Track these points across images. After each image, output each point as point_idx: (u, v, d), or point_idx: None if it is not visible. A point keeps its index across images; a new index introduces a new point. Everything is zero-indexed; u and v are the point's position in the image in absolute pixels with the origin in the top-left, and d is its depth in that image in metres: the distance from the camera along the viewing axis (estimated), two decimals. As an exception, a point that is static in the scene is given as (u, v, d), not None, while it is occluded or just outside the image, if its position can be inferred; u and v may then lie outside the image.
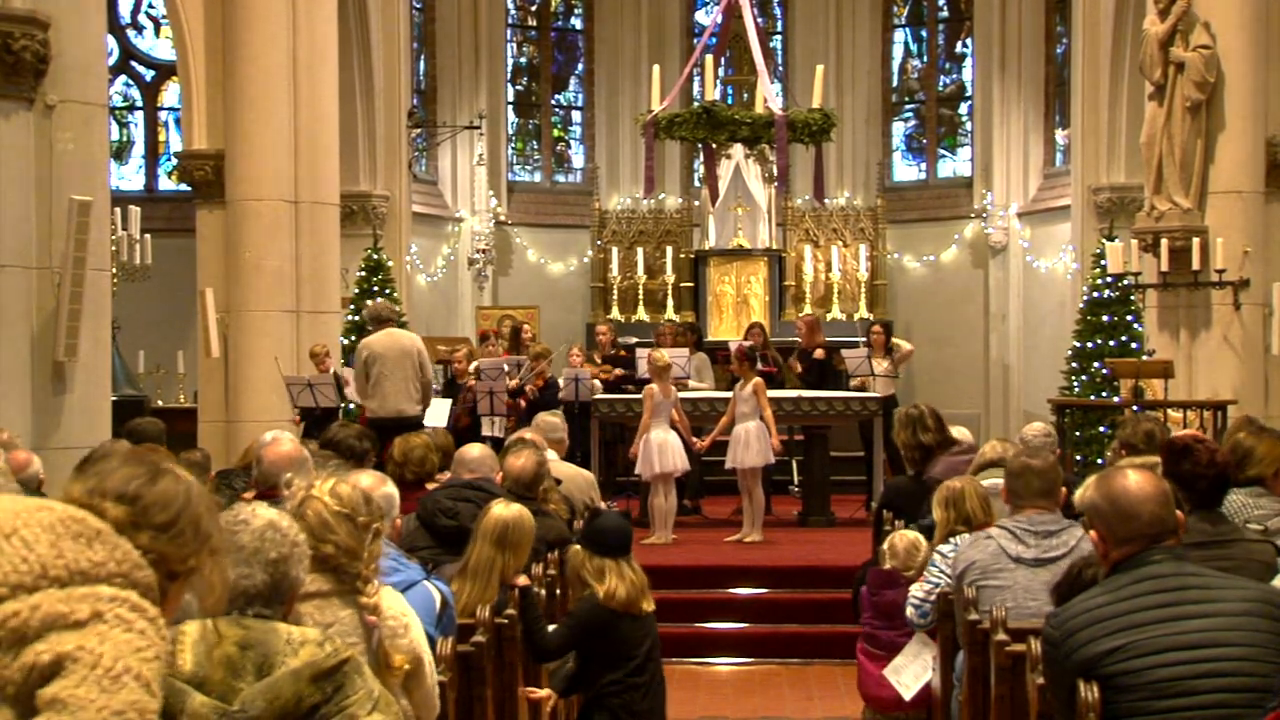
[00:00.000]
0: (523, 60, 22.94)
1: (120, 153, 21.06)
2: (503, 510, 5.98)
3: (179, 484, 2.49)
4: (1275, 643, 3.75)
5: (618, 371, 15.42)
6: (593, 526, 6.43)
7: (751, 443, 12.44)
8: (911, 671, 6.72)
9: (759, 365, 13.65)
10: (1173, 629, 3.76)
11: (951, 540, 6.31)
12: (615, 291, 20.83)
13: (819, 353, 15.14)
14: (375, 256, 16.47)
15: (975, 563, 5.65)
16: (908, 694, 6.72)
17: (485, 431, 13.35)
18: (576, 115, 23.22)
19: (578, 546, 6.39)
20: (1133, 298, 14.62)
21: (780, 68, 21.79)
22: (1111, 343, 14.96)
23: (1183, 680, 3.70)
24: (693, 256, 20.82)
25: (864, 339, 15.76)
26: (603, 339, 16.20)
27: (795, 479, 15.03)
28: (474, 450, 7.41)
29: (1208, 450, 5.05)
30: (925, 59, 22.52)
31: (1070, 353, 15.60)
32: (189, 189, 14.88)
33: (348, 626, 4.09)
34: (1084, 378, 15.21)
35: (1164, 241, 12.59)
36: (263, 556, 3.34)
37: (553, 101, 23.10)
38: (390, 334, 12.59)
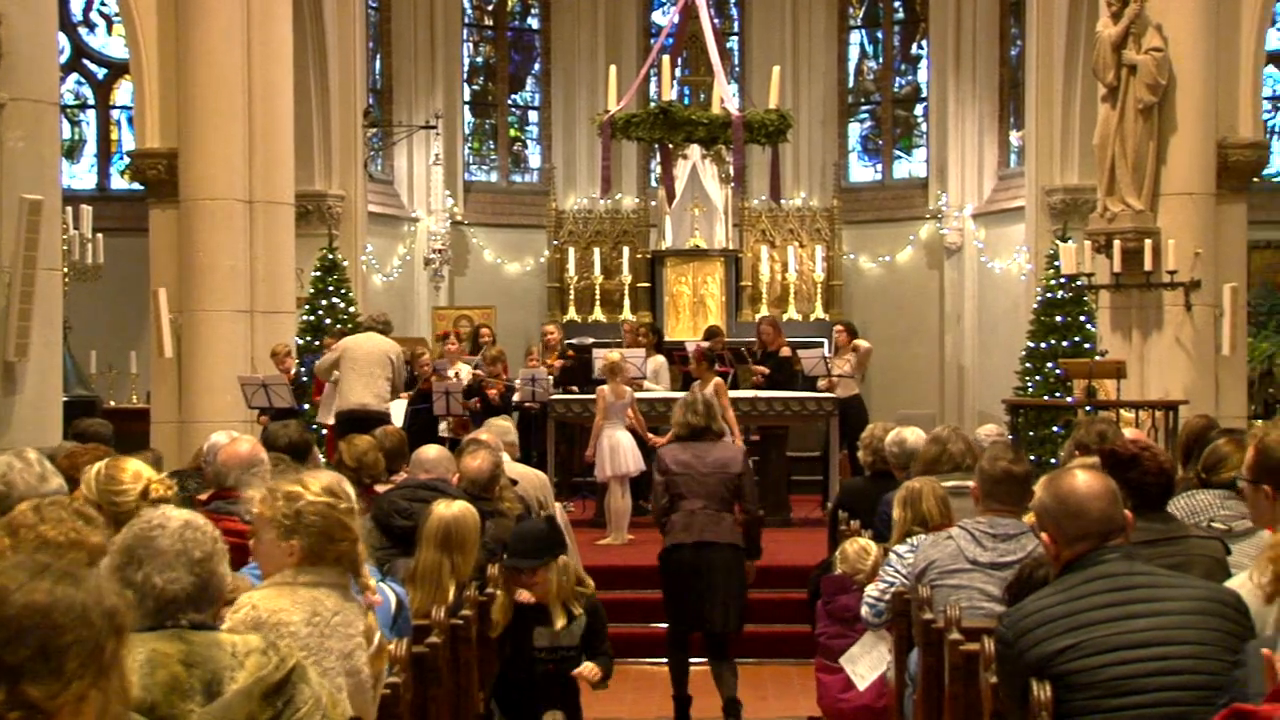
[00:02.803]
0: (479, 60, 22.90)
1: (72, 151, 20.89)
2: (444, 510, 5.98)
3: (69, 590, 2.14)
4: (1225, 640, 3.78)
5: (559, 362, 15.38)
6: (558, 536, 6.60)
7: None
8: (867, 662, 6.74)
9: (716, 366, 13.66)
10: (1123, 628, 3.79)
11: (908, 540, 6.33)
12: (572, 292, 20.83)
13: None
14: (330, 256, 16.39)
15: (934, 562, 5.67)
16: (862, 684, 6.74)
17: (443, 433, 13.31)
18: (533, 115, 23.19)
19: (567, 559, 6.52)
20: (1086, 298, 14.73)
21: (737, 68, 21.83)
22: (1065, 343, 15.06)
23: (1133, 679, 3.73)
24: (649, 257, 20.84)
25: (829, 339, 15.83)
26: (550, 339, 16.11)
27: (751, 479, 15.02)
28: (431, 451, 7.40)
29: (1154, 457, 5.08)
30: (881, 60, 22.61)
31: (1024, 353, 15.69)
32: (142, 188, 14.77)
33: (354, 615, 4.08)
34: (1038, 378, 15.31)
35: (1117, 243, 12.67)
36: (187, 558, 3.25)
37: (509, 101, 23.06)
38: (369, 336, 13.13)
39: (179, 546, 3.27)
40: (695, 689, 9.01)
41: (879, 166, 22.56)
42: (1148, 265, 12.60)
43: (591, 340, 18.15)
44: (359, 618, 4.08)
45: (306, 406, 14.16)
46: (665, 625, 8.87)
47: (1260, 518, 4.88)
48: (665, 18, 21.09)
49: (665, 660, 8.76)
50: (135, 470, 4.83)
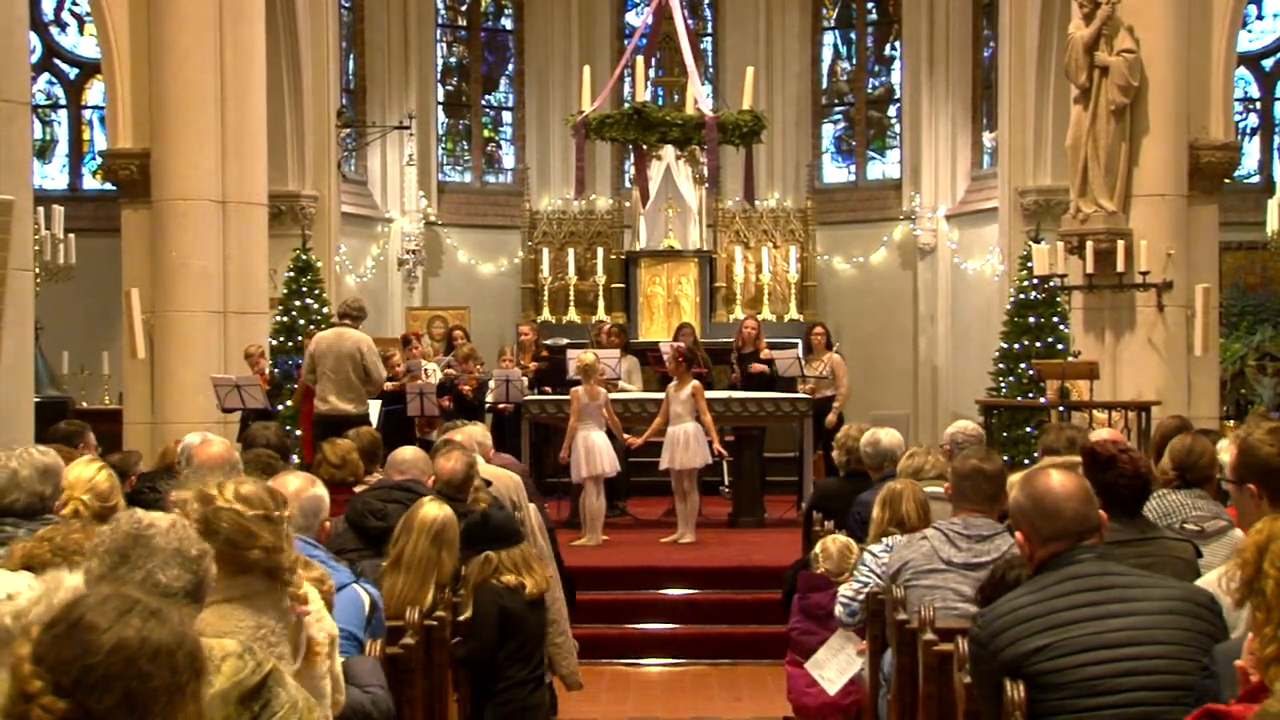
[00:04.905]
0: (453, 60, 22.84)
1: (44, 151, 20.77)
2: (437, 510, 5.98)
3: (156, 630, 2.12)
4: (1197, 641, 3.80)
5: (534, 364, 15.38)
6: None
7: (690, 444, 12.47)
8: (835, 666, 6.74)
9: (692, 366, 13.65)
10: (1096, 628, 3.80)
11: (884, 540, 6.35)
12: (546, 293, 20.79)
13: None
14: (304, 257, 16.33)
15: (909, 562, 5.69)
16: (832, 688, 6.74)
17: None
18: (507, 116, 23.14)
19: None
20: (1058, 299, 14.78)
21: (710, 69, 21.84)
22: (1038, 344, 15.10)
23: (1106, 679, 3.74)
24: (623, 257, 20.82)
25: (803, 340, 15.86)
26: (525, 339, 16.10)
27: (725, 480, 15.05)
28: (406, 452, 7.39)
29: (1131, 460, 5.11)
30: (854, 61, 22.63)
31: (998, 354, 15.74)
32: (114, 188, 14.71)
33: (278, 624, 4.01)
34: (1011, 379, 15.35)
35: (1089, 244, 12.72)
36: (184, 554, 3.23)
37: (483, 102, 23.00)
38: (339, 333, 12.78)
39: (175, 544, 3.24)
40: (663, 690, 9.05)
41: (852, 167, 22.58)
42: (1120, 266, 12.65)
43: (566, 341, 18.13)
44: (284, 621, 3.99)
45: (280, 408, 14.10)
46: (636, 626, 8.95)
47: (1248, 518, 4.89)
48: (639, 19, 21.09)
49: (633, 660, 8.83)
50: None
